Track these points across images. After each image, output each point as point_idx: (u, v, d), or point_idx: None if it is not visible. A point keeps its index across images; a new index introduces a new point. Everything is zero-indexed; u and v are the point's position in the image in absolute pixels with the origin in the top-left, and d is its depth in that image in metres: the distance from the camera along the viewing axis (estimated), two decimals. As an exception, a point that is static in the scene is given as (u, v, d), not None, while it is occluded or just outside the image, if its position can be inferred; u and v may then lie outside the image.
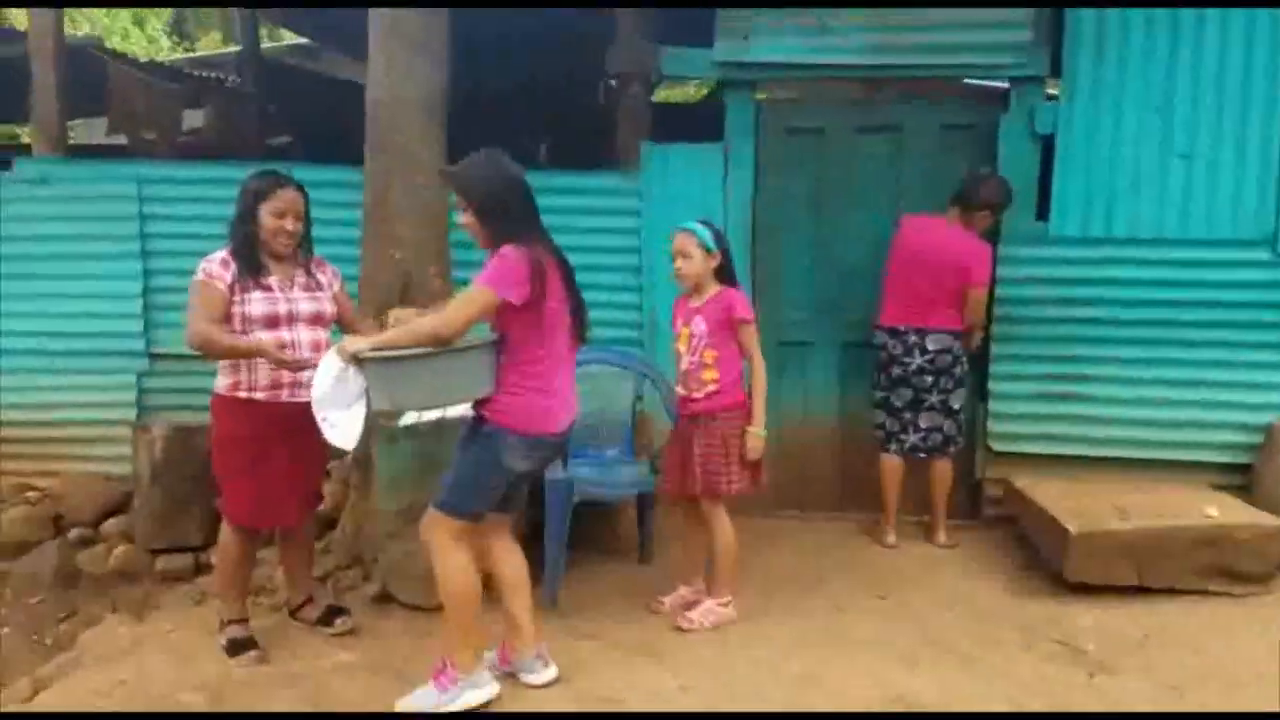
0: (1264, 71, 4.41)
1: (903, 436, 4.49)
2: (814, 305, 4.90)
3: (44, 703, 3.21)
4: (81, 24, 13.22)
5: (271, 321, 3.23)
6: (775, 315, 4.74)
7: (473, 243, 2.98)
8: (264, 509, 3.34)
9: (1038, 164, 4.59)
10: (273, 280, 3.27)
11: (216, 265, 3.22)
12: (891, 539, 4.49)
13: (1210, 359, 4.58)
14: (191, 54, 12.09)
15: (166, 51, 14.19)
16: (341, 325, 3.45)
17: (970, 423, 4.69)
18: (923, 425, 4.45)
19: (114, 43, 10.94)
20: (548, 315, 2.86)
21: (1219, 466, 4.60)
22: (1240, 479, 4.53)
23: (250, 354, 3.19)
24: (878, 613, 3.77)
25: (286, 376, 3.25)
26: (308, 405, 2.88)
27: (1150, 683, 3.19)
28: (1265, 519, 3.91)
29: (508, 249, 2.79)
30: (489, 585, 3.07)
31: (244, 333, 3.20)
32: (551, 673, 3.10)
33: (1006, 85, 4.65)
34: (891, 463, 4.51)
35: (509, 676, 3.10)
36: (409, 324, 2.90)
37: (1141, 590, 3.79)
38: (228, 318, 3.20)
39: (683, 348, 3.58)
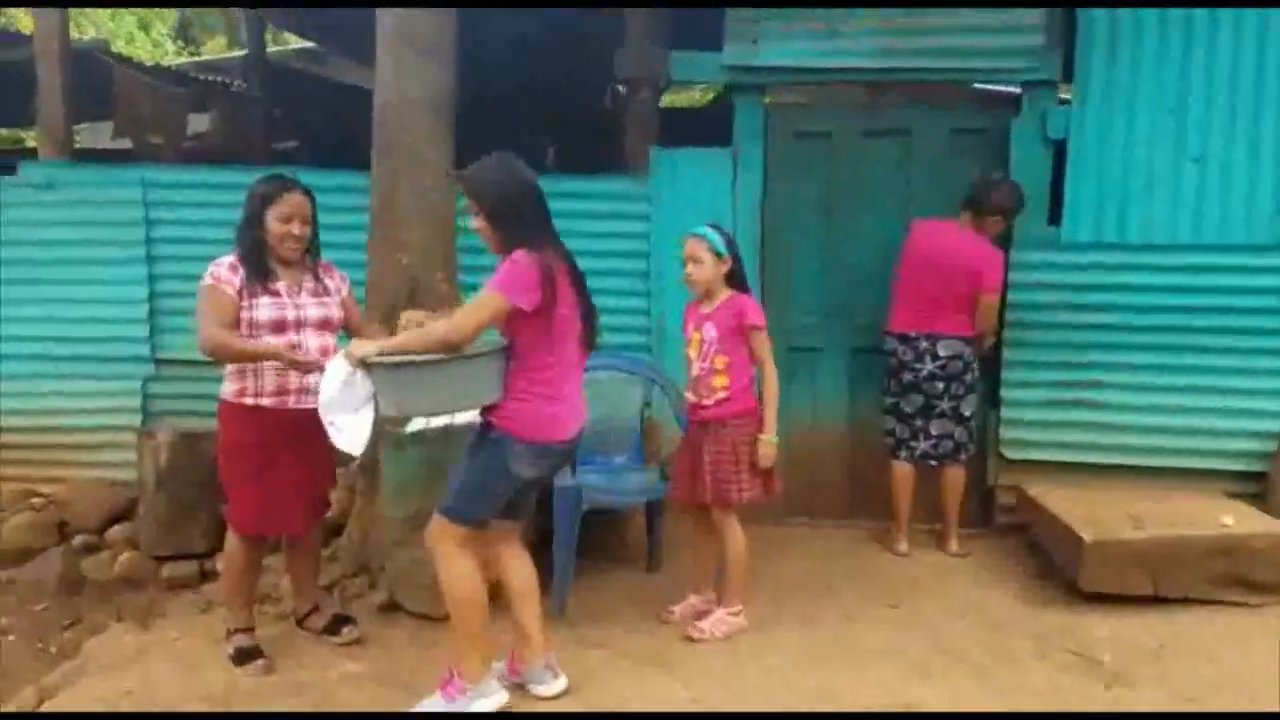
0: (1278, 72, 4.38)
1: (913, 444, 4.45)
2: (823, 310, 4.87)
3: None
4: (87, 28, 13.24)
5: (279, 326, 3.20)
6: (784, 320, 4.70)
7: (479, 247, 2.96)
8: (270, 516, 3.31)
9: (1050, 168, 4.57)
10: (280, 285, 3.25)
11: (225, 270, 3.20)
12: (903, 547, 4.45)
13: (1224, 365, 4.54)
14: (197, 58, 12.09)
15: (172, 56, 14.21)
16: (349, 330, 3.43)
17: (982, 429, 4.65)
18: (934, 432, 4.41)
19: (119, 47, 10.93)
20: (558, 322, 2.83)
21: (1233, 474, 4.56)
22: (1255, 487, 4.49)
23: (261, 357, 3.16)
24: (889, 622, 3.74)
25: (293, 383, 3.22)
26: (315, 412, 2.87)
27: (1166, 693, 3.16)
28: (1281, 528, 3.87)
29: (519, 254, 2.76)
30: (497, 594, 3.04)
31: (251, 338, 3.17)
32: (561, 684, 3.07)
33: (1018, 90, 4.61)
34: (902, 470, 4.48)
35: (518, 688, 3.07)
36: (419, 329, 2.88)
37: (1156, 600, 3.75)
38: (236, 323, 3.17)
39: (693, 354, 3.55)
